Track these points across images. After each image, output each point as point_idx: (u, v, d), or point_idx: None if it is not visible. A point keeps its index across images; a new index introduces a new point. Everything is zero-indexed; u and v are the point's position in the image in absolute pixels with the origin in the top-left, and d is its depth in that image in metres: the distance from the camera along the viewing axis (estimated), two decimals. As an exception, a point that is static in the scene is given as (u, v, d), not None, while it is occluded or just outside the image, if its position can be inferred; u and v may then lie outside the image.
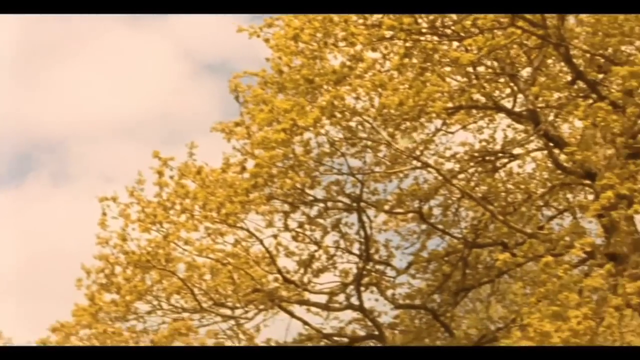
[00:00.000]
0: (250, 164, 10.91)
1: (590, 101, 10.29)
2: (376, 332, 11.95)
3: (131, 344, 11.74)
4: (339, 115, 10.17)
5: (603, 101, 9.71)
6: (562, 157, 10.82)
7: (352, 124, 10.49)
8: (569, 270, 9.30)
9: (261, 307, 11.89)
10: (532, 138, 11.88)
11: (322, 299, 12.30)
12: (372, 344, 12.51)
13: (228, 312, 12.14)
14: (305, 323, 12.26)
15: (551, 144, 11.00)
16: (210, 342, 11.85)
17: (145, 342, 11.95)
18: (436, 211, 12.70)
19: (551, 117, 11.54)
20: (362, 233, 11.89)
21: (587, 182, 10.81)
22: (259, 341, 12.24)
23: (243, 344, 12.17)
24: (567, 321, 8.73)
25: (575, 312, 8.76)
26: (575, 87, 10.88)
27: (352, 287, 11.96)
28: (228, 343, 12.27)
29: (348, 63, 10.14)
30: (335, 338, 12.39)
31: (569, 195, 13.08)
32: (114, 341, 11.70)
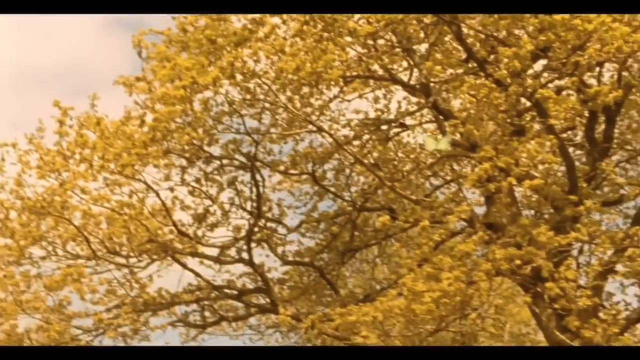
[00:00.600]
0: (150, 118, 11.14)
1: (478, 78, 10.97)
2: (264, 286, 12.42)
3: (22, 287, 11.92)
4: (239, 76, 10.50)
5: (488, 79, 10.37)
6: (450, 129, 11.46)
7: (251, 85, 10.83)
8: (444, 235, 9.99)
9: (155, 257, 12.18)
10: (424, 110, 12.55)
11: (215, 252, 12.72)
12: (260, 297, 13.03)
13: (122, 260, 12.38)
14: (197, 275, 12.59)
15: (441, 117, 11.61)
16: (102, 289, 12.14)
17: (38, 286, 12.13)
18: (329, 175, 13.25)
19: (444, 93, 12.14)
20: (255, 190, 12.30)
21: (471, 154, 11.52)
22: (151, 290, 12.55)
23: (135, 292, 12.46)
24: (439, 282, 9.44)
25: (447, 275, 9.45)
26: (469, 65, 11.49)
27: (243, 242, 12.40)
28: (121, 291, 12.55)
29: (250, 26, 10.46)
30: (226, 290, 12.84)
31: (456, 167, 13.79)
32: (7, 284, 11.84)
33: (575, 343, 9.96)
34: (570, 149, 13.13)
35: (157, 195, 12.05)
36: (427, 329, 9.90)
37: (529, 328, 15.06)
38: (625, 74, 10.75)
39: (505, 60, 10.17)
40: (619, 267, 14.41)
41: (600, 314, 10.62)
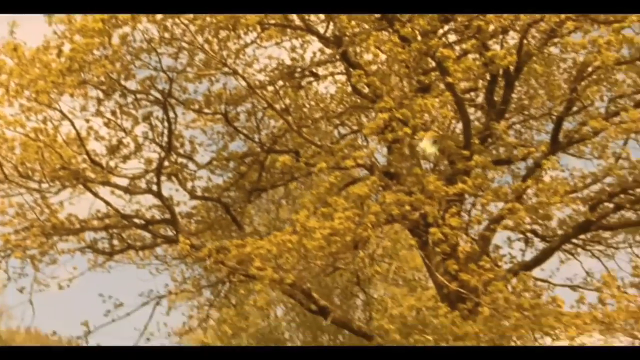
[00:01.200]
0: (67, 48, 11.39)
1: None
2: (171, 218, 12.95)
3: None
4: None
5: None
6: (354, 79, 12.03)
7: (169, 24, 11.22)
8: (340, 177, 10.67)
9: (67, 184, 12.51)
10: (336, 62, 13.15)
11: (126, 183, 13.13)
12: (168, 229, 13.55)
13: (34, 185, 12.67)
14: (107, 203, 13.00)
15: (351, 69, 12.20)
16: (11, 211, 12.44)
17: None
18: (242, 117, 13.79)
19: (357, 47, 12.70)
20: (166, 125, 12.70)
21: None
22: (62, 216, 12.89)
23: (44, 217, 12.78)
24: (331, 221, 10.12)
25: (339, 214, 10.15)
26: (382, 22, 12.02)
27: (153, 174, 12.81)
28: (31, 215, 12.85)
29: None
30: (134, 220, 13.30)
31: (364, 118, 14.46)
32: None
33: (454, 285, 10.88)
34: (472, 109, 14.08)
35: (72, 124, 12.34)
36: (318, 264, 10.55)
37: (421, 274, 15.93)
38: (526, 42, 11.48)
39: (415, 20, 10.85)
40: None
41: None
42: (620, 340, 10.96)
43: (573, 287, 14.31)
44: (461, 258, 11.08)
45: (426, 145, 11.16)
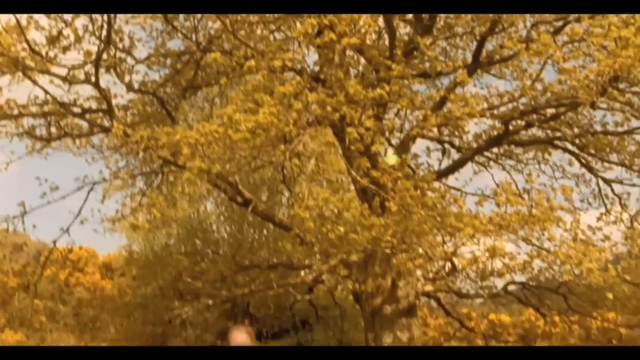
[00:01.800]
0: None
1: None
2: (107, 108, 13.49)
3: None
4: None
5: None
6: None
7: None
8: (267, 77, 11.33)
9: (5, 70, 12.85)
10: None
11: (65, 72, 13.51)
12: (105, 120, 14.09)
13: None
14: (46, 92, 13.42)
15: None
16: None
17: None
18: (181, 16, 14.22)
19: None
20: (105, 19, 12.97)
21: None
22: (1, 101, 13.25)
23: None
24: (257, 115, 10.83)
25: (264, 110, 10.87)
26: None
27: (92, 66, 13.21)
28: None
29: None
30: (72, 108, 13.77)
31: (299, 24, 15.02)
32: None
33: (365, 182, 11.81)
34: (402, 24, 14.89)
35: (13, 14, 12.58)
36: (243, 155, 11.33)
37: (344, 176, 16.87)
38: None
39: None
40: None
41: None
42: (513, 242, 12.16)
43: (482, 196, 15.48)
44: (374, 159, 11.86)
45: (389, 157, 11.90)
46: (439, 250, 12.10)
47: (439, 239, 12.88)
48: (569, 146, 15.36)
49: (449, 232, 12.08)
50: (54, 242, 15.71)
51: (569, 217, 12.90)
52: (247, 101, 11.65)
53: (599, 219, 14.74)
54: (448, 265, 13.83)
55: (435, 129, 14.83)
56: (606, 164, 15.58)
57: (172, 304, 17.38)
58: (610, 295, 13.00)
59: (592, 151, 15.15)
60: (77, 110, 13.86)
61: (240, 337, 5.50)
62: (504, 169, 17.14)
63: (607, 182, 15.96)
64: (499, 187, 12.49)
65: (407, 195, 11.01)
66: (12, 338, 23.07)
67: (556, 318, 18.26)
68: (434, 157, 16.71)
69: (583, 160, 15.57)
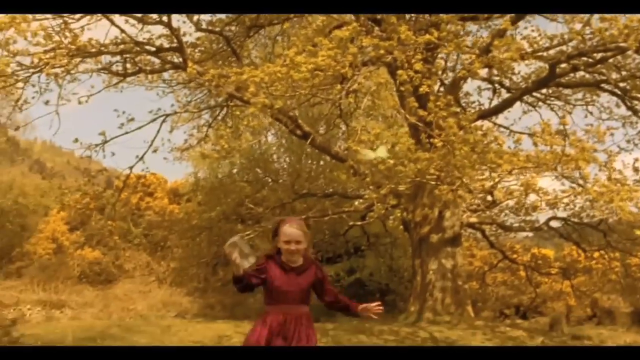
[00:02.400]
0: None
1: None
2: (178, 47, 14.46)
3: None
4: None
5: None
6: None
7: None
8: (326, 21, 12.23)
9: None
10: None
11: (139, 17, 14.26)
12: (175, 57, 15.10)
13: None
14: (122, 31, 14.24)
15: None
16: (41, 34, 13.67)
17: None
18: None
19: None
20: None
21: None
22: (83, 39, 14.27)
23: (68, 40, 13.68)
24: (317, 57, 11.79)
25: (323, 52, 11.82)
26: None
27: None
28: (56, 38, 14.05)
29: None
30: (146, 46, 14.77)
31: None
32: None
33: (413, 119, 12.67)
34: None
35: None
36: (303, 93, 12.33)
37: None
38: None
39: None
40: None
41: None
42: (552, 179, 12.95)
43: (522, 134, 16.20)
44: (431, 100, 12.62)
45: (381, 152, 12.06)
46: (478, 183, 12.94)
47: (481, 174, 13.76)
48: (615, 89, 15.83)
49: (489, 167, 12.97)
50: (130, 169, 16.81)
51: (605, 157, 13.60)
52: (307, 44, 12.67)
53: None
54: (489, 198, 14.75)
55: (483, 70, 15.50)
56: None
57: (235, 227, 18.65)
58: (637, 232, 13.69)
59: (638, 95, 15.61)
60: (150, 48, 14.82)
61: (291, 230, 5.30)
62: (552, 109, 17.77)
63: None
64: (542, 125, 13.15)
65: (451, 132, 11.89)
66: (90, 255, 24.93)
67: (596, 254, 19.00)
68: (485, 95, 17.40)
69: (628, 103, 16.06)
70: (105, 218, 22.48)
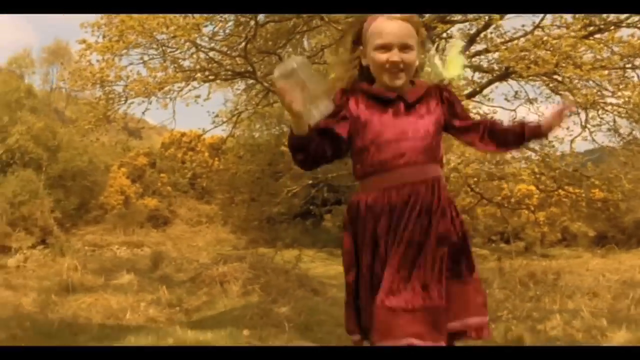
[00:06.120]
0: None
1: None
2: (251, 70, 14.64)
3: None
4: None
5: None
6: None
7: None
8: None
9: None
10: None
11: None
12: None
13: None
14: (211, 59, 14.57)
15: None
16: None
17: None
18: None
19: None
20: None
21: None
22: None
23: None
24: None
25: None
26: None
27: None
28: None
29: None
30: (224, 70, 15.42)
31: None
32: None
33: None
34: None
35: None
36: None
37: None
38: None
39: None
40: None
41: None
42: None
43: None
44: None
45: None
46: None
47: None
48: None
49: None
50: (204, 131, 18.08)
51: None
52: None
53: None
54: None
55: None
56: None
57: (270, 181, 21.38)
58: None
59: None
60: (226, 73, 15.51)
61: (392, 25, 2.73)
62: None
63: None
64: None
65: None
66: (150, 203, 29.83)
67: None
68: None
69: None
70: (157, 171, 26.88)
